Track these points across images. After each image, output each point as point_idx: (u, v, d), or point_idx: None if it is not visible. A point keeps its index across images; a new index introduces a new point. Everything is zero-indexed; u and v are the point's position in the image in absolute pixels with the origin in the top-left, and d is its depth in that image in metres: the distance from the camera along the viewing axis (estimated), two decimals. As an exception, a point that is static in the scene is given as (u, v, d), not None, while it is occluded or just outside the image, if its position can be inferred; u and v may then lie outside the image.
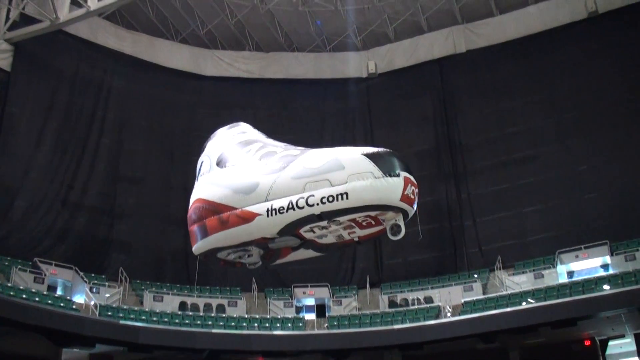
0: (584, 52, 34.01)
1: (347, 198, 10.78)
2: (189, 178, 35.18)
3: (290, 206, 11.20)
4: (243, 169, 12.55)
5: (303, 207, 11.08)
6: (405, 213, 11.38)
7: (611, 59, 33.18)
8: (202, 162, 13.84)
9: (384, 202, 10.94)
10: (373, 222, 11.57)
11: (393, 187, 10.89)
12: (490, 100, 35.79)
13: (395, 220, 11.33)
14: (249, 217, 11.73)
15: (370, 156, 11.15)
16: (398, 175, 10.99)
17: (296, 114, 37.99)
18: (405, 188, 10.99)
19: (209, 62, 38.55)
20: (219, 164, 13.21)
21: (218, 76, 38.33)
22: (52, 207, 31.59)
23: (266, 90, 38.60)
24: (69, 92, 33.79)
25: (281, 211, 11.31)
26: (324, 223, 11.42)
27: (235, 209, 11.96)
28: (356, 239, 12.14)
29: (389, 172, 10.90)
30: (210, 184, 12.98)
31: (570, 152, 33.05)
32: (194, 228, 12.90)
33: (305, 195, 11.10)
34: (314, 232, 11.77)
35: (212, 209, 12.41)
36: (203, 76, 38.22)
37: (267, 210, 11.46)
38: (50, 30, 31.35)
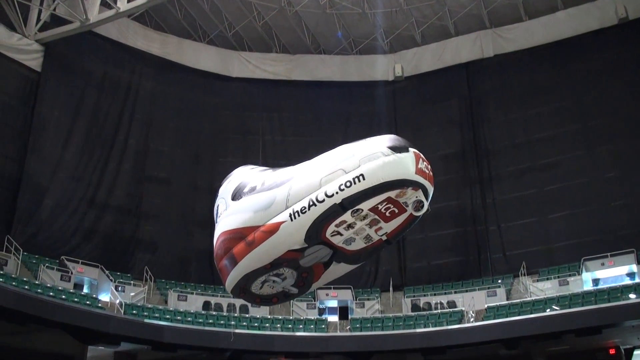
0: (613, 59, 33.69)
1: (363, 179, 10.76)
2: (215, 179, 35.77)
3: (311, 203, 11.21)
4: (258, 191, 12.61)
5: (324, 200, 11.07)
6: (424, 189, 11.28)
7: (641, 66, 32.88)
8: (217, 206, 13.88)
9: (400, 177, 10.87)
10: (396, 210, 11.50)
11: (405, 161, 10.90)
12: (517, 106, 35.53)
13: (417, 197, 11.36)
14: (273, 229, 11.73)
15: (377, 140, 11.30)
16: (407, 151, 11.02)
17: (321, 117, 38.02)
18: (417, 162, 10.99)
19: (236, 63, 38.70)
20: (234, 197, 13.27)
21: (245, 78, 38.44)
22: (80, 206, 31.96)
23: (292, 93, 38.70)
24: (98, 93, 34.18)
25: (303, 211, 11.31)
26: (349, 217, 11.41)
27: (259, 226, 12.00)
28: (384, 238, 12.08)
29: (396, 149, 10.94)
30: (229, 215, 12.98)
31: (597, 159, 32.76)
32: (222, 263, 12.78)
33: (323, 189, 11.17)
34: (340, 234, 11.76)
35: (237, 236, 12.38)
36: (230, 77, 38.36)
37: (290, 215, 11.48)
38: (80, 31, 31.75)
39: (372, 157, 10.86)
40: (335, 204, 11.01)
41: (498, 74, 36.39)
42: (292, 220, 11.47)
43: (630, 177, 31.67)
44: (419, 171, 10.99)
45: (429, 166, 11.30)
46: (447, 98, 37.39)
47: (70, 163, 32.24)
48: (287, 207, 11.56)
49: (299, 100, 38.68)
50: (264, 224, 11.85)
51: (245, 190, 12.95)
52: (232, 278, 12.60)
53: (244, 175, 13.87)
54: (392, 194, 11.14)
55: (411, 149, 11.10)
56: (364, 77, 38.79)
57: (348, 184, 10.85)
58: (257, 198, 12.36)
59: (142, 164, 35.03)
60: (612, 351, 27.34)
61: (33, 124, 31.09)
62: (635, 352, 27.63)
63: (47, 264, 28.31)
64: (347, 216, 11.33)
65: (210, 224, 34.17)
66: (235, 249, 12.29)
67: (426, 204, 11.25)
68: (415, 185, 11.07)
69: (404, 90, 38.39)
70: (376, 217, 11.49)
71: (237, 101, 38.09)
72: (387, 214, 11.45)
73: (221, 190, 14.03)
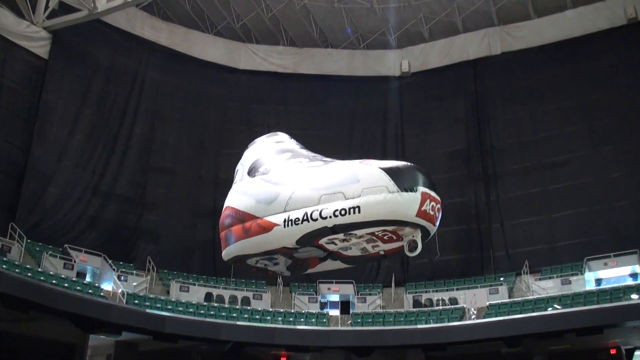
0: (621, 59, 33.63)
1: (359, 212, 10.58)
2: (219, 170, 35.90)
3: (305, 218, 11.17)
4: (268, 179, 12.62)
5: (317, 220, 11.02)
6: (424, 229, 11.11)
7: (649, 67, 32.78)
8: (237, 170, 13.95)
9: (397, 218, 10.68)
10: (394, 237, 11.38)
11: (408, 203, 10.60)
12: (524, 104, 35.49)
13: (413, 237, 11.08)
14: (268, 227, 11.81)
15: (387, 170, 10.92)
16: (415, 191, 10.68)
17: (327, 111, 38.01)
18: (422, 204, 10.66)
19: (243, 55, 38.69)
20: (250, 172, 13.32)
21: (251, 70, 38.47)
22: (84, 194, 32.01)
23: (299, 86, 38.70)
24: (104, 81, 34.20)
25: (297, 222, 11.31)
26: (341, 236, 11.35)
27: (257, 218, 12.06)
28: (382, 253, 11.99)
29: (405, 187, 10.61)
30: (238, 192, 13.10)
31: (603, 158, 32.67)
32: (224, 234, 13.02)
33: (320, 207, 11.02)
34: (335, 244, 11.71)
35: (238, 217, 12.52)
36: (236, 69, 38.37)
37: (284, 221, 11.50)
38: (87, 19, 31.78)
39: (375, 190, 10.64)
40: (326, 227, 10.94)
41: (505, 71, 36.30)
42: (285, 227, 11.51)
43: (635, 178, 31.60)
44: (422, 213, 10.73)
45: (438, 205, 11.03)
46: (454, 95, 37.34)
47: (75, 151, 32.27)
48: (285, 211, 11.57)
49: (305, 93, 38.68)
50: (261, 218, 11.94)
51: (261, 169, 13.04)
52: (227, 252, 12.94)
53: (265, 149, 13.87)
54: (388, 228, 11.01)
55: (420, 188, 10.75)
56: (371, 72, 38.77)
57: (343, 212, 10.71)
58: (263, 187, 12.43)
59: (147, 154, 35.05)
60: (613, 351, 27.33)
61: (39, 111, 31.11)
62: (636, 353, 27.60)
63: (50, 252, 28.38)
64: (340, 235, 11.28)
65: (214, 215, 34.30)
66: (234, 228, 12.51)
67: (419, 247, 11.03)
68: (415, 227, 10.91)
69: (411, 86, 38.32)
70: (373, 237, 11.38)
71: (243, 93, 38.09)
72: (385, 237, 11.34)
73: (244, 155, 14.12)
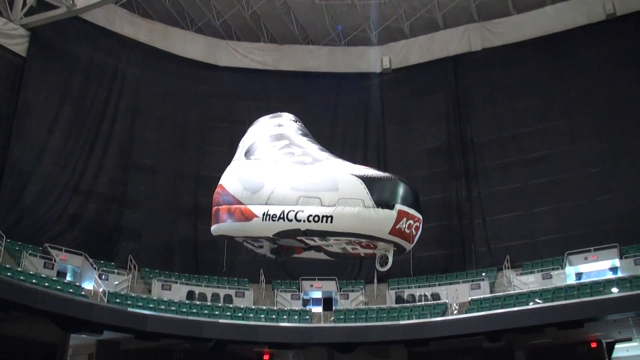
0: (600, 54, 33.84)
1: (331, 222, 10.42)
2: (201, 168, 35.78)
3: (282, 216, 11.13)
4: (259, 165, 12.66)
5: (292, 221, 10.98)
6: (399, 245, 10.80)
7: (628, 62, 32.98)
8: (238, 147, 13.98)
9: (369, 233, 10.47)
10: (371, 245, 11.28)
11: (382, 220, 10.29)
12: (504, 100, 35.68)
13: (385, 251, 10.94)
14: (249, 216, 11.83)
15: (367, 181, 10.57)
16: (391, 208, 10.33)
17: (309, 107, 37.81)
18: (397, 222, 10.31)
19: (224, 52, 38.52)
20: (247, 154, 13.34)
21: (232, 67, 38.32)
22: (64, 193, 31.73)
23: (280, 83, 38.62)
24: (84, 79, 33.93)
25: (274, 218, 11.29)
26: (317, 238, 11.37)
27: (242, 204, 12.12)
28: (362, 255, 11.94)
29: (382, 203, 10.30)
30: (231, 173, 13.16)
31: (583, 153, 32.90)
32: (214, 210, 13.12)
33: (296, 209, 10.94)
34: (314, 240, 11.72)
35: (227, 199, 12.63)
36: (217, 66, 38.20)
37: (263, 214, 11.50)
38: (66, 16, 31.51)
39: (350, 202, 10.43)
40: (299, 229, 10.93)
41: (486, 67, 36.46)
42: (263, 220, 11.53)
43: (614, 173, 31.90)
44: (396, 231, 10.42)
45: (417, 223, 10.69)
46: (435, 91, 37.44)
47: (54, 149, 32.00)
48: (266, 204, 11.57)
49: (286, 90, 38.57)
50: (245, 206, 11.99)
51: (256, 152, 13.03)
52: (214, 229, 13.11)
53: (263, 132, 13.83)
54: (362, 241, 10.91)
55: (397, 206, 10.37)
56: (352, 69, 38.74)
57: (316, 219, 10.61)
58: (252, 175, 12.52)
59: (127, 151, 34.80)
60: (593, 345, 27.65)
61: (18, 109, 30.81)
62: (617, 346, 27.87)
63: (30, 251, 28.09)
64: (314, 237, 11.29)
65: (195, 213, 34.35)
66: (222, 208, 12.68)
67: (390, 263, 10.89)
68: (389, 242, 10.73)
69: (392, 82, 38.38)
70: (351, 241, 11.29)
71: (224, 90, 37.93)
72: (362, 244, 11.22)
73: (247, 133, 14.16)
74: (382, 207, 10.30)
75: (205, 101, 37.63)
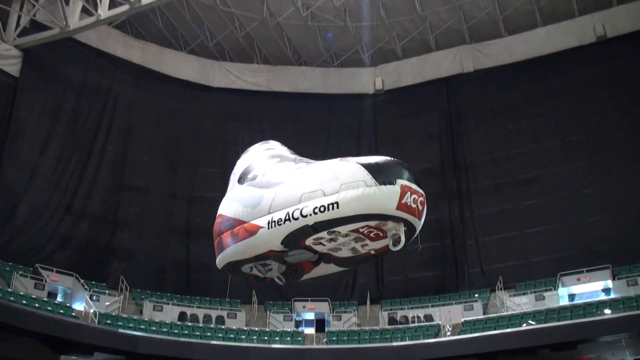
0: (591, 76, 34.05)
1: (337, 207, 10.53)
2: (193, 189, 35.74)
3: (287, 217, 11.18)
4: (255, 184, 12.71)
5: (298, 218, 11.02)
6: (407, 222, 10.97)
7: (618, 83, 33.25)
8: (231, 177, 14.06)
9: (377, 211, 10.59)
10: (380, 234, 11.33)
11: (386, 196, 10.49)
12: (496, 121, 35.81)
13: (396, 231, 11.08)
14: (253, 230, 11.84)
15: (366, 165, 10.88)
16: (394, 184, 10.60)
17: (302, 128, 37.94)
18: (402, 196, 10.54)
19: (217, 73, 38.64)
20: (240, 180, 13.41)
21: (225, 88, 38.42)
22: (56, 213, 31.62)
23: (273, 104, 38.65)
24: (76, 100, 33.91)
25: (279, 223, 11.34)
26: (325, 235, 11.34)
27: (244, 222, 12.11)
28: (372, 252, 11.94)
29: (383, 180, 10.55)
30: (228, 199, 13.23)
31: (575, 174, 32.99)
32: (216, 242, 13.07)
33: (300, 206, 11.05)
34: (322, 244, 11.69)
35: (228, 224, 12.63)
36: (210, 87, 38.30)
37: (268, 223, 11.53)
38: (60, 37, 31.53)
39: (352, 185, 10.57)
40: (307, 225, 10.93)
41: (478, 89, 36.65)
42: (269, 228, 11.53)
43: (607, 194, 31.94)
44: (402, 206, 10.60)
45: (421, 198, 10.93)
46: (427, 112, 37.55)
47: (47, 169, 31.93)
48: (269, 213, 11.60)
49: (279, 111, 38.62)
50: (248, 222, 11.98)
51: (249, 176, 13.14)
52: (219, 260, 13.07)
53: (255, 156, 13.99)
54: (370, 223, 10.95)
55: (399, 181, 10.66)
56: (344, 90, 38.90)
57: (322, 208, 10.68)
58: (250, 193, 12.52)
59: (120, 172, 34.73)
60: (586, 366, 27.52)
61: (10, 129, 30.80)
62: (610, 367, 27.80)
63: (20, 272, 27.94)
64: (324, 234, 11.26)
65: (188, 234, 34.23)
66: (225, 235, 12.63)
67: (403, 241, 10.95)
68: (397, 220, 10.86)
69: (385, 104, 38.51)
70: (360, 236, 11.35)
71: (217, 111, 37.98)
72: (372, 235, 11.29)
73: (237, 163, 14.27)
74: (385, 185, 10.48)
75: (198, 122, 37.62)
